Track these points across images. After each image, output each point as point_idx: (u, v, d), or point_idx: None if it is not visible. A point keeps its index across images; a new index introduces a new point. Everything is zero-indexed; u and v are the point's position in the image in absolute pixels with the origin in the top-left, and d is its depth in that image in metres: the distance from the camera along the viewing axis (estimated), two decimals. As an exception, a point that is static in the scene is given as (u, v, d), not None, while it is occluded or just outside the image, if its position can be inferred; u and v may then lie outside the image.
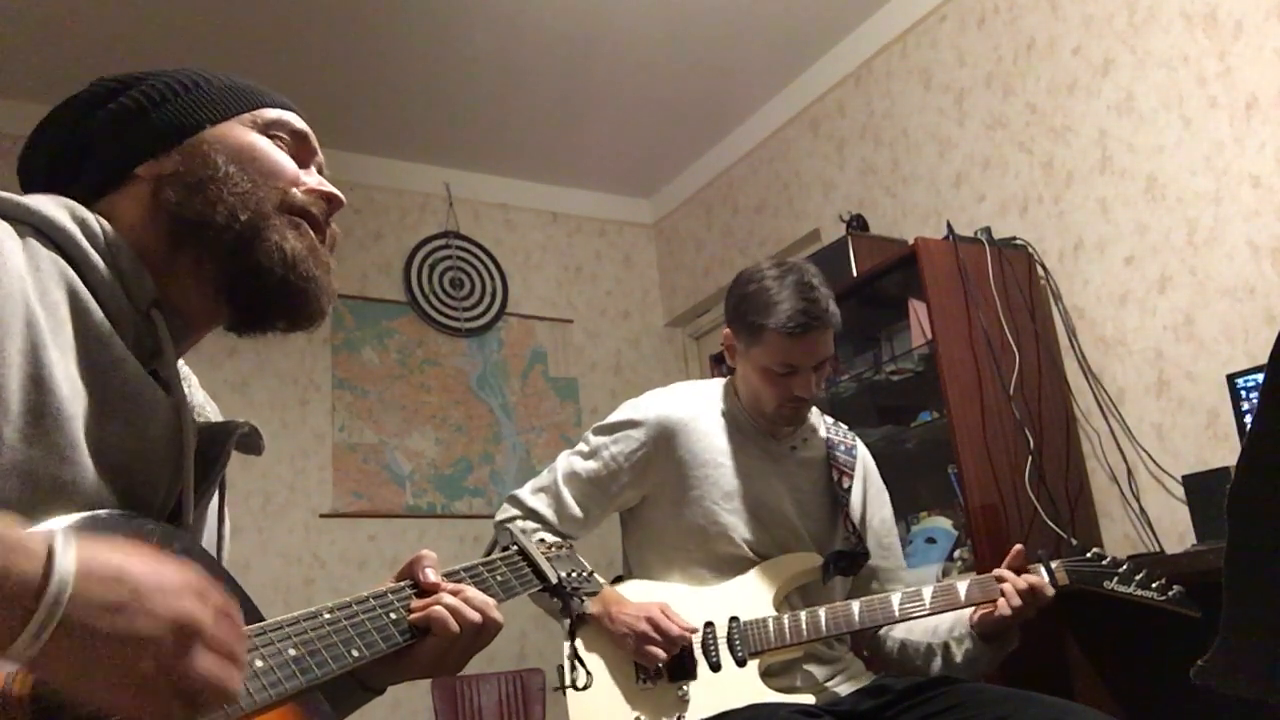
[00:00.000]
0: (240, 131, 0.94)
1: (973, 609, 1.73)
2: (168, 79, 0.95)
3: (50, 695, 0.62)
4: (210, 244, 0.89)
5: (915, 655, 1.86)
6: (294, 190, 0.94)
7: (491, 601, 1.01)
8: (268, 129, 0.96)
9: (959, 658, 1.81)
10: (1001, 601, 1.67)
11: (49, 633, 0.57)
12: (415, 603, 0.97)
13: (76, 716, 0.63)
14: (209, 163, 0.90)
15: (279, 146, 0.96)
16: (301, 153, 0.99)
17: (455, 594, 0.98)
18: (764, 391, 1.85)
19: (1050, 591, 1.67)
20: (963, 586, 1.71)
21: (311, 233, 0.94)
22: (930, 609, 1.73)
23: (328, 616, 0.86)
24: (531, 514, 1.92)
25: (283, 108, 1.00)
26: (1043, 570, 1.70)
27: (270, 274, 0.89)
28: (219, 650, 0.64)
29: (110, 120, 0.93)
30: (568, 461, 1.94)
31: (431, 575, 0.99)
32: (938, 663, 1.83)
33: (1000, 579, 1.70)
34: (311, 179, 0.98)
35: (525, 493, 1.96)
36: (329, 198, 0.98)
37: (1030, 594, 1.66)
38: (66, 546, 0.60)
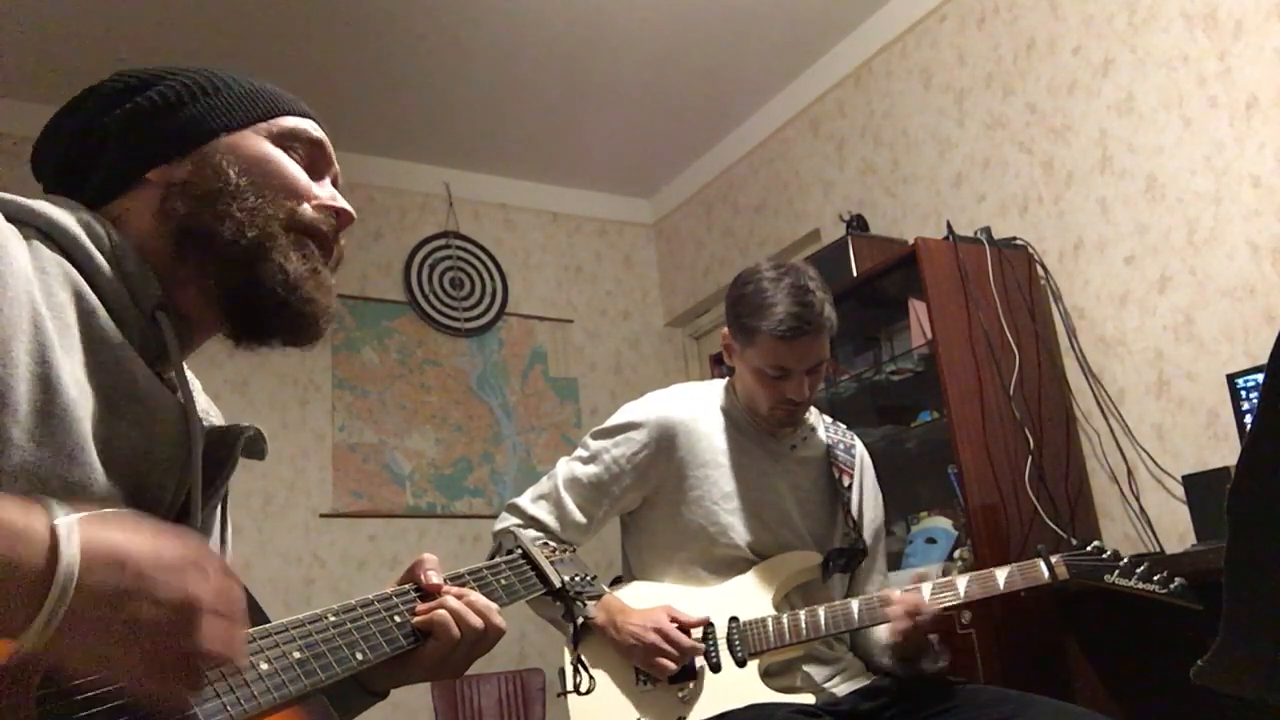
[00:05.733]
0: (254, 141, 0.93)
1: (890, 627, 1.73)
2: (187, 80, 0.94)
3: (59, 669, 0.64)
4: (214, 257, 0.88)
5: (867, 658, 1.90)
6: (305, 206, 0.94)
7: (494, 606, 1.01)
8: (282, 139, 0.95)
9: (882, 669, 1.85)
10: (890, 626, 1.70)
11: (57, 623, 0.59)
12: (419, 606, 0.97)
13: (83, 688, 0.65)
14: (220, 174, 0.89)
15: (293, 158, 0.95)
16: (317, 163, 0.98)
17: (459, 598, 0.98)
18: (758, 393, 1.85)
19: (928, 607, 1.67)
20: (962, 582, 1.71)
21: (317, 253, 0.94)
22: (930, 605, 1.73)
23: (332, 619, 0.86)
24: (533, 522, 1.91)
25: (301, 115, 0.98)
26: (1043, 565, 1.69)
27: (271, 294, 0.89)
28: (223, 624, 0.66)
29: (126, 120, 0.91)
30: (568, 467, 1.94)
31: (434, 577, 0.99)
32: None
33: (884, 601, 1.71)
34: (325, 192, 0.97)
35: (525, 500, 1.95)
36: (339, 213, 0.97)
37: (913, 614, 1.67)
38: (70, 533, 0.61)
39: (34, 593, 0.59)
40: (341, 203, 0.98)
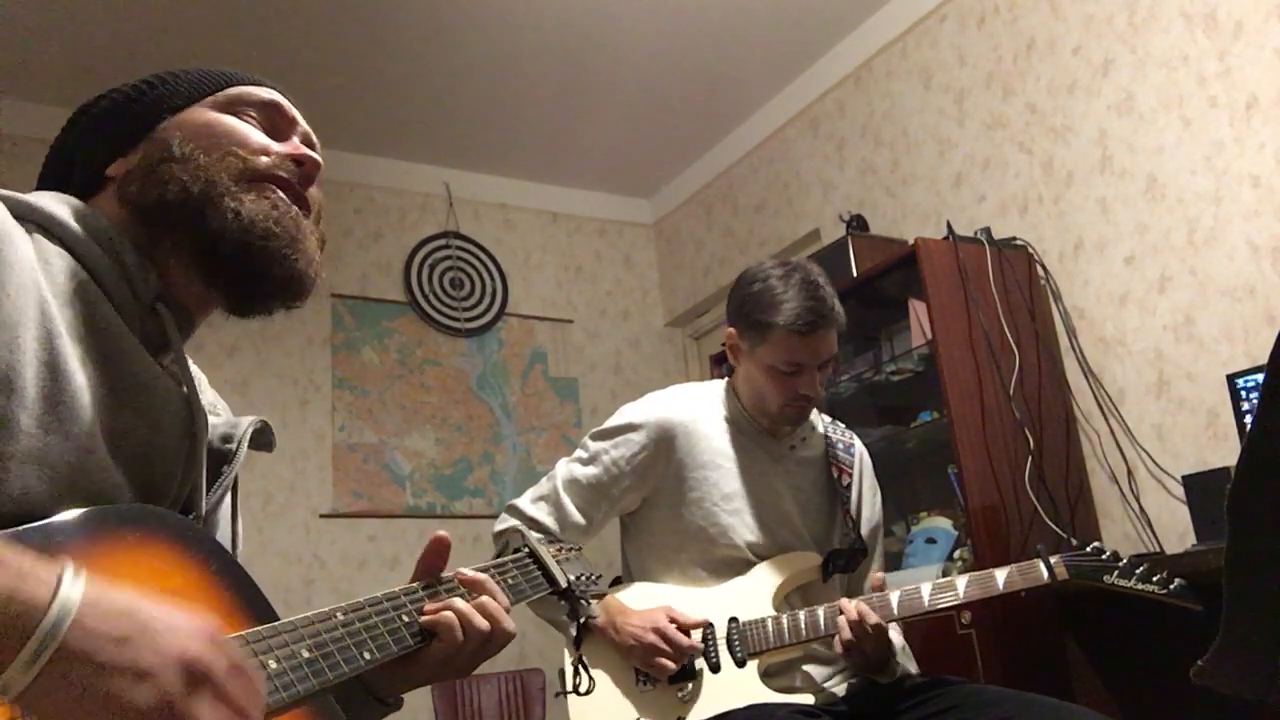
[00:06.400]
0: (200, 113, 0.94)
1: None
2: (135, 82, 0.96)
3: None
4: (172, 223, 0.88)
5: None
6: (260, 158, 0.93)
7: (504, 610, 1.00)
8: (231, 106, 0.96)
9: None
10: (836, 639, 1.68)
11: (45, 658, 0.56)
12: (427, 605, 0.96)
13: None
14: (165, 147, 0.90)
15: (246, 121, 0.96)
16: (277, 124, 0.98)
17: (471, 598, 0.98)
18: (769, 391, 1.85)
19: (873, 618, 1.65)
20: (961, 583, 1.71)
21: (281, 195, 0.92)
22: (929, 606, 1.72)
23: (341, 618, 0.86)
24: (532, 523, 1.90)
25: (251, 84, 0.98)
26: (1042, 566, 1.69)
27: (228, 239, 0.88)
28: (231, 705, 0.62)
29: (83, 131, 0.95)
30: (567, 468, 1.93)
31: (467, 573, 1.00)
32: None
33: (840, 610, 1.69)
34: (283, 147, 0.96)
35: (524, 502, 1.94)
36: (299, 159, 0.95)
37: (859, 625, 1.65)
38: (76, 576, 0.59)
39: (25, 626, 0.56)
40: (304, 150, 0.97)
